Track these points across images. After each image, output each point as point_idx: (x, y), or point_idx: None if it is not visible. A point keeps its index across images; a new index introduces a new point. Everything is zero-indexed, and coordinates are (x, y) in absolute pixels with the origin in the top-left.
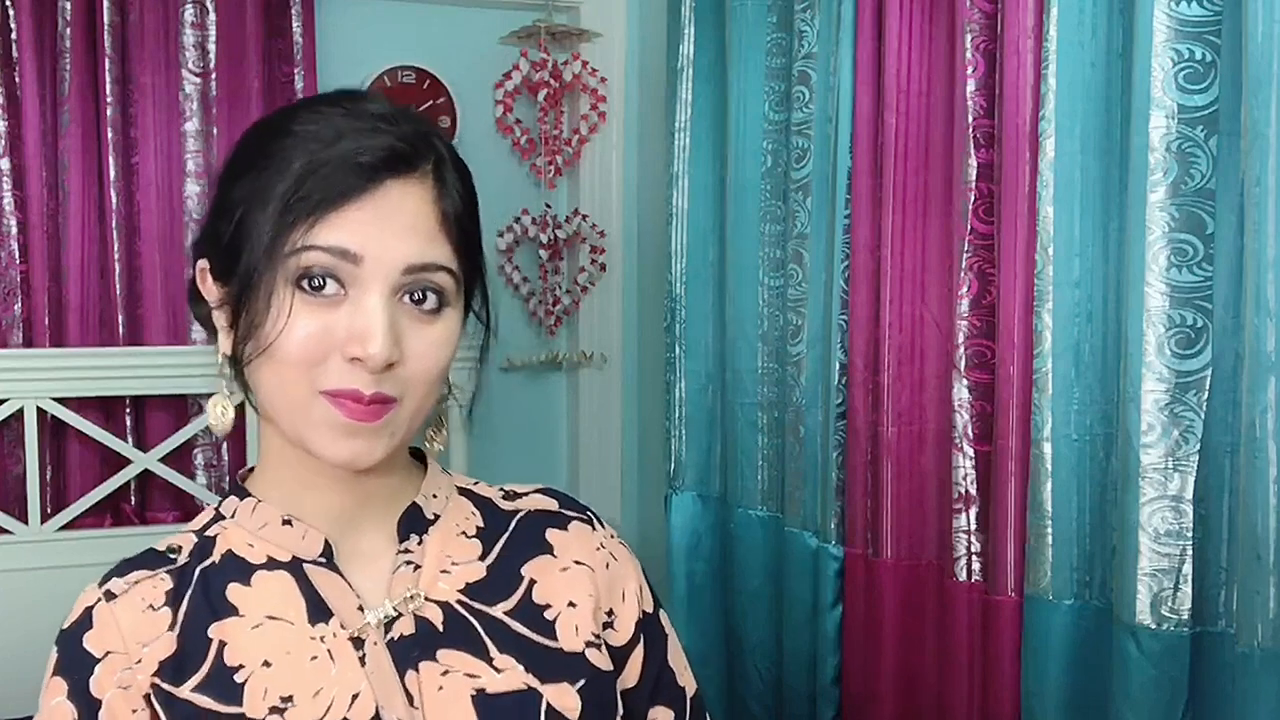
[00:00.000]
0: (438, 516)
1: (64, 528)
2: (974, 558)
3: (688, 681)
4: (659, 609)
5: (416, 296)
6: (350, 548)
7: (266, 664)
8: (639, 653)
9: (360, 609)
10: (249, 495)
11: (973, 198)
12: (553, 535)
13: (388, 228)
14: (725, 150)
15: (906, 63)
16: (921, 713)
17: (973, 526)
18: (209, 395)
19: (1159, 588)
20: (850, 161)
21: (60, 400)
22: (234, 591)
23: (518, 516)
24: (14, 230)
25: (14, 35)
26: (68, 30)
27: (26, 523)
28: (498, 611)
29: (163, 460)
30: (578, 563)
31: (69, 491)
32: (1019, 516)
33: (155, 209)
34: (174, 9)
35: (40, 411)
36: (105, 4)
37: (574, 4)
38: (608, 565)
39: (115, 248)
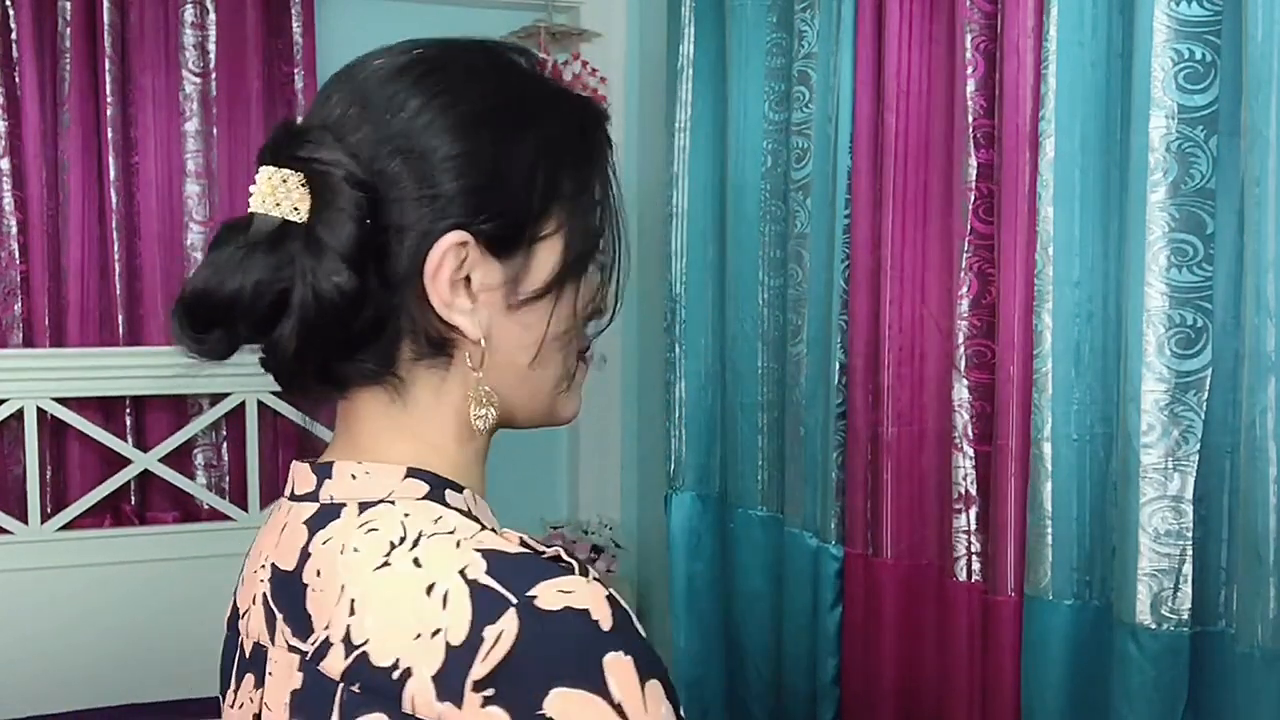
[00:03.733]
0: None
1: (64, 528)
2: (974, 558)
3: None
4: None
5: None
6: None
7: None
8: None
9: None
10: (453, 486)
11: (973, 198)
12: None
13: None
14: (725, 150)
15: (906, 63)
16: (921, 713)
17: (973, 526)
18: (209, 395)
19: (1159, 588)
20: (850, 161)
21: (60, 400)
22: None
23: None
24: (14, 230)
25: (14, 35)
26: (68, 30)
27: (26, 523)
28: None
29: (162, 460)
30: None
31: (69, 491)
32: (1019, 516)
33: (155, 209)
34: (174, 9)
35: (40, 411)
36: (105, 4)
37: (574, 4)
38: None
39: (115, 248)
